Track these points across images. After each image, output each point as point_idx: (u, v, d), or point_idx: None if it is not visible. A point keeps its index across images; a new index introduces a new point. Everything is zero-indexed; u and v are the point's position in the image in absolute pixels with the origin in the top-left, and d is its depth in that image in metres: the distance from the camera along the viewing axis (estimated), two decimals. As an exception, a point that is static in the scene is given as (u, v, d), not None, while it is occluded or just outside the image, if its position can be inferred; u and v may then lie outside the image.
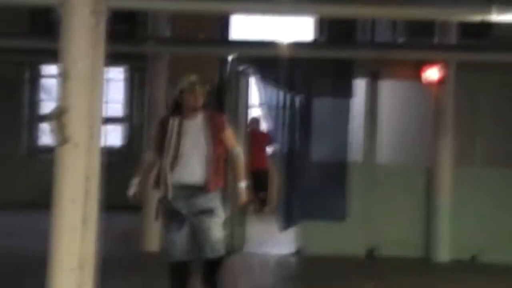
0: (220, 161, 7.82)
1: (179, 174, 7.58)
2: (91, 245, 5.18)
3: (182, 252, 7.56)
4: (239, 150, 7.95)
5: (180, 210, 7.58)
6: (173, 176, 7.57)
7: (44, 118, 19.16)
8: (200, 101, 7.68)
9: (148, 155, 8.08)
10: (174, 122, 7.68)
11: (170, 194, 7.57)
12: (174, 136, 7.64)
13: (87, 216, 5.20)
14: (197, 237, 7.58)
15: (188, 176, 7.59)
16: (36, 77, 19.76)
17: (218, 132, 7.70)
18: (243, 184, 7.73)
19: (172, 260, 7.61)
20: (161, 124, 7.87)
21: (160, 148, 7.74)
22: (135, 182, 7.91)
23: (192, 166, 7.58)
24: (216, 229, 7.57)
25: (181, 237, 7.57)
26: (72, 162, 5.12)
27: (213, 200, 7.65)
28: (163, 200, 7.66)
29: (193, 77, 7.79)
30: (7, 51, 16.41)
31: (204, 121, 7.72)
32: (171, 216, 7.60)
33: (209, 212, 7.56)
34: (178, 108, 7.76)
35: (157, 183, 7.76)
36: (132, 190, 7.86)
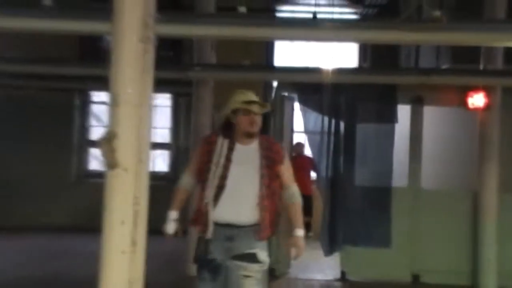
0: (276, 200, 6.39)
1: (223, 210, 6.22)
2: (139, 268, 5.12)
3: None
4: (296, 189, 6.48)
5: (216, 257, 6.25)
6: (215, 211, 6.24)
7: (93, 143, 19.46)
8: (258, 125, 6.29)
9: (185, 180, 6.73)
10: (223, 144, 6.34)
11: (209, 233, 6.28)
12: (222, 161, 6.27)
13: (136, 239, 5.14)
14: (231, 285, 6.24)
15: (233, 214, 6.22)
16: (86, 103, 19.94)
17: (276, 163, 6.33)
18: (300, 233, 6.30)
19: None
20: (207, 143, 6.48)
21: (202, 173, 6.42)
22: (172, 217, 6.65)
23: (240, 202, 6.21)
24: (252, 279, 6.20)
25: None
26: (121, 186, 5.12)
27: (260, 245, 6.31)
28: (200, 241, 6.39)
29: (250, 95, 6.39)
30: (58, 78, 16.71)
31: (260, 148, 6.35)
32: (205, 263, 6.31)
33: (251, 256, 6.21)
34: (229, 129, 6.38)
35: (196, 221, 6.47)
36: (171, 228, 6.62)
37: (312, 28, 10.34)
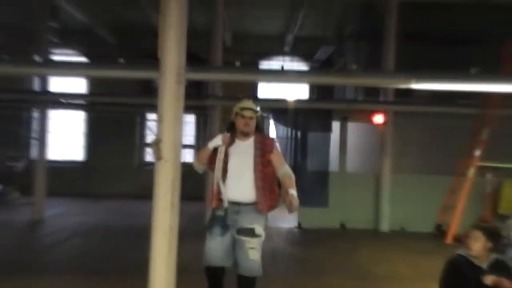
0: (272, 182, 5.72)
1: (229, 190, 5.62)
2: (176, 220, 5.35)
3: (220, 258, 5.60)
4: (287, 168, 5.74)
5: (227, 222, 5.63)
6: (225, 193, 5.62)
7: (147, 144, 19.35)
8: (251, 126, 5.71)
9: (196, 167, 6.01)
10: (230, 141, 5.75)
11: (223, 205, 5.64)
12: (224, 153, 5.67)
13: (174, 202, 5.34)
14: (236, 253, 5.62)
15: (236, 193, 5.61)
16: (143, 120, 19.76)
17: (267, 153, 5.66)
18: (293, 192, 5.50)
19: (210, 265, 5.61)
20: (224, 139, 5.76)
21: (212, 162, 5.77)
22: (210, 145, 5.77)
23: (240, 184, 5.60)
24: (255, 249, 5.60)
25: (222, 245, 5.58)
26: (164, 171, 5.37)
27: (258, 220, 5.64)
28: (214, 210, 5.72)
29: (247, 103, 5.83)
30: (127, 105, 17.13)
31: (254, 143, 5.71)
32: (217, 222, 5.64)
33: (251, 232, 5.59)
34: (233, 129, 5.82)
35: (212, 200, 5.75)
36: (211, 145, 5.77)
37: (281, 75, 10.84)
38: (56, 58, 17.72)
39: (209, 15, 13.72)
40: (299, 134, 13.87)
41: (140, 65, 9.98)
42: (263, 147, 5.73)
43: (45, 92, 14.55)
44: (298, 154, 13.80)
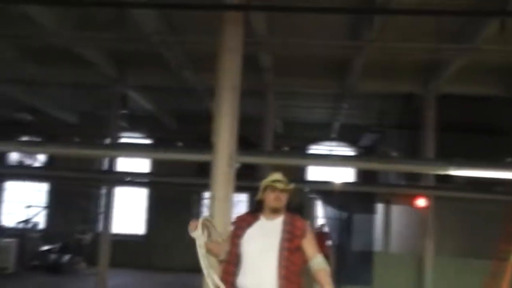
0: (298, 272, 4.33)
1: (245, 281, 4.25)
2: None
3: None
4: (321, 258, 4.38)
5: None
6: (239, 280, 4.28)
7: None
8: (282, 201, 4.42)
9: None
10: (251, 221, 4.46)
11: None
12: (248, 236, 4.36)
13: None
14: None
15: (253, 282, 4.23)
16: (200, 198, 19.77)
17: (296, 238, 4.31)
18: None
19: None
20: (238, 221, 4.57)
21: (232, 248, 4.44)
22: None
23: (262, 272, 4.21)
24: None
25: None
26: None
27: None
28: None
29: (277, 175, 4.53)
30: (186, 185, 17.40)
31: (283, 223, 4.37)
32: None
33: None
34: (261, 207, 4.51)
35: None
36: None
37: (326, 159, 11.06)
38: (125, 140, 18.42)
39: (262, 103, 13.99)
40: (345, 215, 13.81)
41: (196, 148, 10.18)
42: (293, 230, 4.36)
43: (112, 171, 15.00)
44: (344, 234, 13.77)
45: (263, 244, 4.30)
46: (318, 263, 4.33)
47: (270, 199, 4.44)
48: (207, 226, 4.53)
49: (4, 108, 17.53)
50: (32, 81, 13.74)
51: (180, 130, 18.33)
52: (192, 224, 4.51)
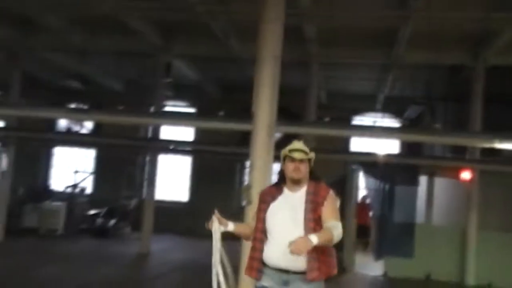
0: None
1: (274, 254, 4.03)
2: None
3: None
4: (335, 223, 3.91)
5: None
6: (266, 256, 4.07)
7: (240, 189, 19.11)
8: (303, 172, 4.09)
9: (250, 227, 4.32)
10: (275, 194, 4.18)
11: (262, 278, 4.10)
12: (272, 209, 4.11)
13: None
14: None
15: (283, 259, 3.93)
16: (242, 167, 19.74)
17: (319, 206, 4.02)
18: (313, 238, 3.65)
19: None
20: (262, 195, 4.29)
21: (257, 222, 4.21)
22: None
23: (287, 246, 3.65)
24: None
25: None
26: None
27: None
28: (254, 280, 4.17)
29: (296, 144, 4.21)
30: (229, 154, 17.45)
31: (306, 193, 4.10)
32: None
33: None
34: (283, 179, 4.22)
35: (250, 268, 4.18)
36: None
37: (372, 130, 11.07)
38: (169, 109, 18.74)
39: (306, 74, 13.98)
40: (387, 186, 13.64)
41: (236, 118, 10.29)
42: (316, 199, 4.07)
43: (156, 139, 15.32)
44: (386, 205, 13.58)
45: (288, 217, 4.06)
46: (330, 224, 3.91)
47: (289, 170, 4.16)
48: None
49: (53, 76, 18.02)
50: (80, 49, 14.05)
51: (224, 99, 18.47)
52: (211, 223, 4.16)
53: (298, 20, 11.02)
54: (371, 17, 10.62)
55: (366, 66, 15.10)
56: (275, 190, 4.27)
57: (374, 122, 18.88)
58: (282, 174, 4.25)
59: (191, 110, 20.00)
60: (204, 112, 18.65)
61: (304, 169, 4.15)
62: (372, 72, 15.63)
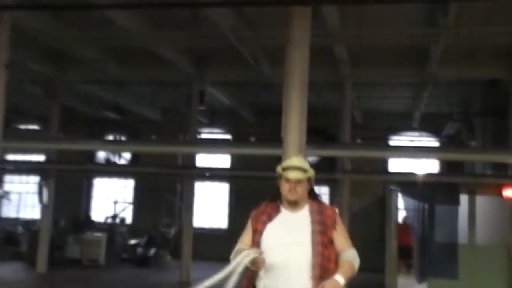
0: (332, 269, 3.53)
1: (270, 283, 3.53)
2: None
3: None
4: (354, 253, 3.63)
5: None
6: (265, 284, 3.55)
7: None
8: (298, 193, 3.64)
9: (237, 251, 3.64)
10: (271, 214, 3.71)
11: None
12: (269, 231, 3.63)
13: None
14: None
15: (285, 286, 3.50)
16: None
17: (328, 229, 3.61)
18: (340, 279, 3.38)
19: None
20: (256, 215, 3.78)
21: (252, 245, 3.67)
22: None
23: (292, 272, 3.48)
24: None
25: None
26: None
27: None
28: None
29: (293, 160, 3.77)
30: (266, 178, 17.33)
31: (310, 213, 3.66)
32: None
33: None
34: (279, 196, 3.74)
35: None
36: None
37: (409, 150, 11.01)
38: (205, 136, 19.02)
39: (340, 95, 14.07)
40: (427, 206, 13.34)
41: (267, 143, 10.30)
42: (324, 220, 3.66)
43: (193, 166, 15.53)
44: (427, 226, 13.31)
45: (288, 240, 3.57)
46: (349, 255, 3.60)
47: (285, 190, 3.69)
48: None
49: (91, 107, 18.50)
50: (115, 80, 14.46)
51: (259, 123, 18.61)
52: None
53: (327, 41, 11.15)
54: (400, 35, 10.66)
55: (400, 84, 15.09)
56: (270, 208, 3.78)
57: (411, 141, 18.72)
58: (277, 191, 3.77)
59: (227, 136, 20.22)
60: (238, 137, 18.83)
61: (302, 190, 3.70)
62: (406, 90, 15.61)
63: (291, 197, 3.67)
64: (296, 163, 3.76)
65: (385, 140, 19.22)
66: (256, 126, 18.60)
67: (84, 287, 13.35)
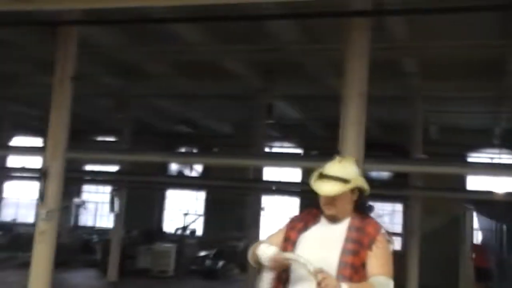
0: None
1: None
2: None
3: None
4: (384, 280, 2.96)
5: None
6: None
7: None
8: (337, 207, 3.12)
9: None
10: (308, 222, 3.21)
11: None
12: (302, 241, 3.14)
13: None
14: None
15: None
16: None
17: (363, 249, 3.02)
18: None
19: None
20: (292, 222, 3.29)
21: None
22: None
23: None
24: None
25: None
26: None
27: None
28: None
29: (332, 167, 3.18)
30: None
31: (348, 229, 3.10)
32: None
33: None
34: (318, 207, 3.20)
35: None
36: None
37: (484, 167, 10.53)
38: (275, 149, 19.03)
39: (411, 110, 13.73)
40: (506, 226, 12.89)
41: (325, 157, 10.15)
42: (361, 238, 3.06)
43: (263, 180, 15.57)
44: (506, 246, 12.85)
45: (315, 256, 2.98)
46: (375, 280, 2.96)
47: (321, 203, 3.17)
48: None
49: (162, 121, 18.95)
50: (185, 94, 14.71)
51: (328, 137, 18.36)
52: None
53: (395, 54, 10.88)
54: (472, 46, 10.24)
55: (476, 98, 14.48)
56: (310, 216, 3.26)
57: (491, 158, 17.96)
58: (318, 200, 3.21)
59: (298, 150, 20.16)
60: (308, 151, 18.72)
61: (342, 203, 3.12)
62: (483, 104, 14.96)
63: (327, 211, 3.16)
64: (335, 171, 3.13)
65: (463, 157, 18.60)
66: (326, 140, 18.37)
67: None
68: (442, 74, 12.42)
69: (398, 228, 19.13)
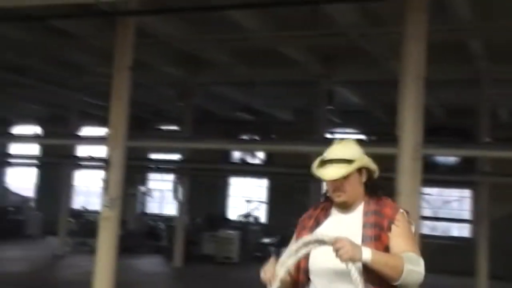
0: (386, 286, 2.68)
1: None
2: None
3: None
4: (413, 256, 2.67)
5: None
6: None
7: None
8: (346, 191, 2.86)
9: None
10: (319, 217, 2.96)
11: None
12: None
13: None
14: None
15: None
16: None
17: (384, 232, 2.78)
18: (367, 252, 2.57)
19: None
20: (302, 221, 3.06)
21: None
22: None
23: (337, 285, 2.73)
24: None
25: None
26: None
27: None
28: None
29: (335, 149, 2.94)
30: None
31: (364, 215, 2.86)
32: None
33: None
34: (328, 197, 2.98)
35: None
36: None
37: None
38: (338, 136, 18.81)
39: (477, 92, 13.35)
40: None
41: (381, 142, 9.95)
42: (380, 222, 2.83)
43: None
44: None
45: (331, 249, 2.65)
46: (404, 256, 2.67)
47: (329, 190, 2.95)
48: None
49: (224, 109, 19.11)
50: (245, 82, 14.78)
51: (390, 122, 18.02)
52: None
53: (460, 36, 10.57)
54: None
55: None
56: (320, 211, 3.03)
57: None
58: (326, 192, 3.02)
59: (359, 136, 19.85)
60: (370, 137, 18.41)
61: (351, 187, 2.89)
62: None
63: (337, 199, 2.91)
64: (337, 153, 2.91)
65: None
66: (387, 125, 18.05)
67: (215, 283, 13.78)
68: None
69: (466, 215, 18.75)
